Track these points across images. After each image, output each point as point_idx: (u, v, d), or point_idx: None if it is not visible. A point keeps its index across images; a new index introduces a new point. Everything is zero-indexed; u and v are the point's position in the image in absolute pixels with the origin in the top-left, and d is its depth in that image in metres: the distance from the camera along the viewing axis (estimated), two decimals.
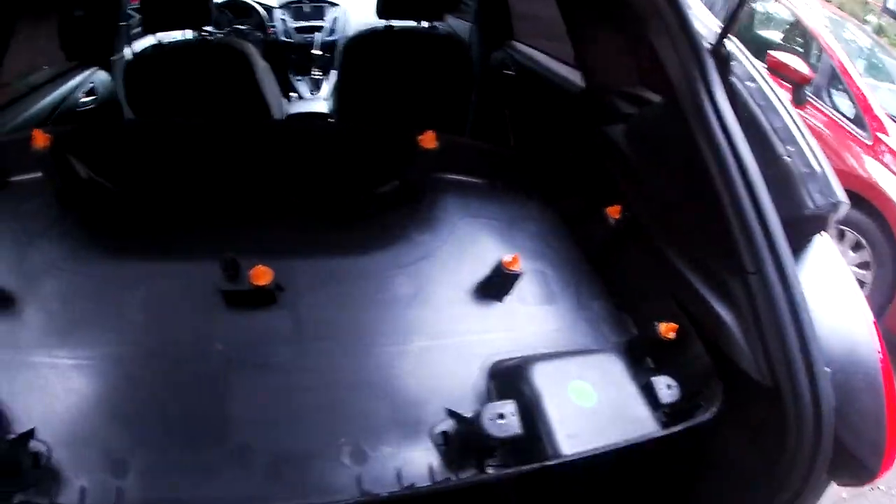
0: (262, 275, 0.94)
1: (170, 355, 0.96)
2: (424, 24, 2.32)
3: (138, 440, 0.87)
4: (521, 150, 1.35)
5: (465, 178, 1.31)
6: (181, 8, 2.11)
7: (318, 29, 3.66)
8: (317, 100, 3.30)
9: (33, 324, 0.98)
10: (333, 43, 3.63)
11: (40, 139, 1.07)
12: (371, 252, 1.11)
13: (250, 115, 2.14)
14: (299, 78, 3.51)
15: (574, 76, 1.78)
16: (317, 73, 3.52)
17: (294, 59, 3.51)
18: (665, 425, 0.90)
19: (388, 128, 1.30)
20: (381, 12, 2.23)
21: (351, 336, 0.98)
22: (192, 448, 0.87)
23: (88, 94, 2.19)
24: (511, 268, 1.04)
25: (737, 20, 1.13)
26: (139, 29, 2.60)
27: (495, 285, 1.07)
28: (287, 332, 0.98)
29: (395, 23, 2.30)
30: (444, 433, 0.87)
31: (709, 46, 1.07)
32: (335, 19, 3.72)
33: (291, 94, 3.32)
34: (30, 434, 0.83)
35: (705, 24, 1.14)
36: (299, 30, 3.65)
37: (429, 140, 1.17)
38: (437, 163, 1.22)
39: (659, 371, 0.99)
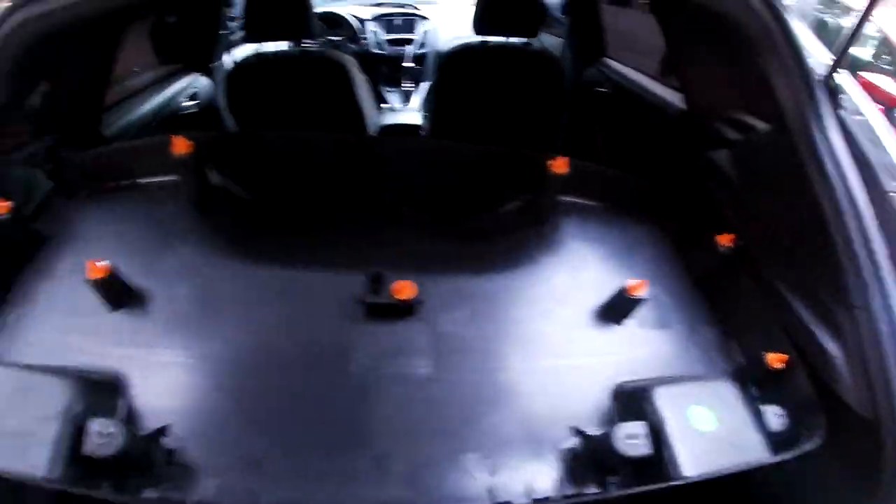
0: (405, 289, 0.99)
1: (306, 361, 1.02)
2: (516, 39, 2.37)
3: (273, 443, 0.92)
4: (648, 178, 1.33)
5: (585, 202, 1.33)
6: (283, 19, 2.23)
7: (409, 42, 3.77)
8: (407, 111, 3.39)
9: (170, 323, 1.06)
10: (424, 56, 3.74)
11: (181, 145, 1.15)
12: (499, 271, 1.15)
13: (346, 126, 2.24)
14: (390, 89, 3.61)
15: (671, 96, 1.78)
16: (407, 84, 3.62)
17: (385, 71, 3.62)
18: (775, 453, 0.92)
19: (517, 150, 1.32)
20: (478, 29, 2.31)
21: (482, 352, 1.02)
22: (328, 453, 0.92)
23: (191, 98, 2.37)
24: (634, 293, 1.06)
25: (848, 53, 1.12)
26: (236, 36, 2.76)
27: (617, 309, 1.10)
28: (423, 345, 1.02)
29: (490, 38, 2.36)
30: (571, 450, 0.91)
31: (820, 78, 1.07)
32: (426, 32, 3.83)
33: (382, 104, 3.42)
34: (163, 430, 0.89)
35: (813, 54, 1.14)
36: (390, 42, 3.77)
37: (560, 166, 1.20)
38: (565, 187, 1.25)
39: (764, 399, 1.00)
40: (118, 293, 1.05)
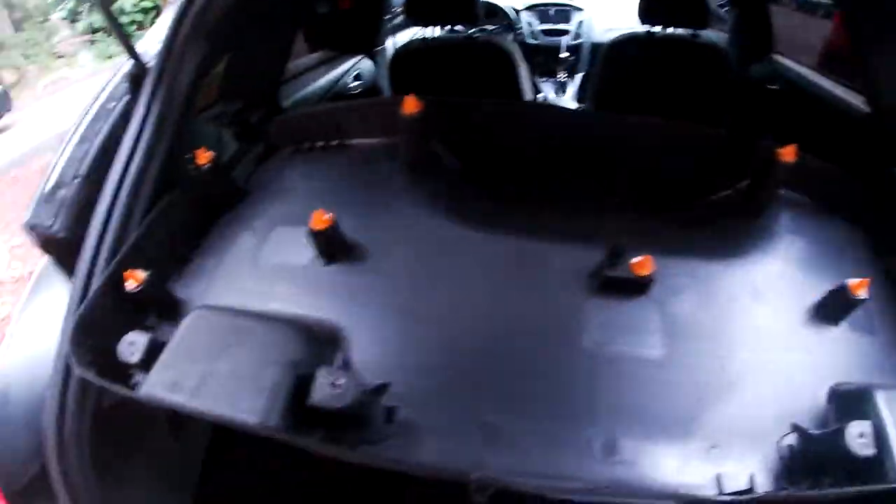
0: (645, 265, 0.95)
1: (533, 329, 0.98)
2: (682, 31, 2.28)
3: (499, 409, 0.89)
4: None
5: (799, 197, 1.24)
6: (448, 5, 2.27)
7: (564, 32, 3.72)
8: (563, 102, 3.37)
9: (388, 282, 1.04)
10: (578, 46, 3.68)
11: (412, 105, 1.12)
12: (720, 257, 1.09)
13: None
14: (544, 80, 3.59)
15: (854, 98, 1.61)
16: (562, 75, 3.59)
17: (540, 61, 3.59)
18: None
19: (739, 133, 1.26)
20: (644, 17, 2.24)
21: (708, 338, 0.97)
22: (554, 425, 0.88)
23: (355, 79, 2.46)
24: (856, 293, 0.97)
25: None
26: (398, 20, 2.88)
27: (834, 307, 1.01)
28: (654, 326, 0.97)
29: (657, 29, 2.29)
30: (790, 447, 0.87)
31: None
32: (580, 23, 3.76)
33: (537, 95, 3.37)
34: (384, 387, 0.86)
35: None
36: (545, 32, 3.74)
37: (788, 153, 1.11)
38: (789, 177, 1.17)
39: None
40: (336, 246, 1.04)
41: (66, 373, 0.98)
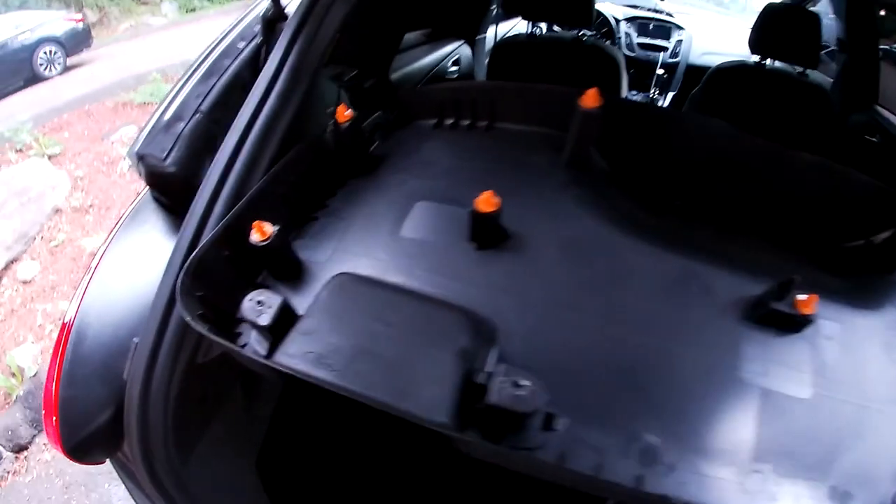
0: (809, 304, 0.91)
1: (687, 350, 0.92)
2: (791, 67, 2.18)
3: (650, 426, 0.83)
4: None
5: None
6: (565, 5, 2.19)
7: (662, 49, 3.59)
8: None
9: (549, 278, 0.97)
10: (674, 65, 3.56)
11: (593, 99, 1.05)
12: (859, 307, 1.04)
13: None
14: (634, 93, 3.48)
15: None
16: (654, 91, 3.47)
17: (632, 74, 3.45)
18: None
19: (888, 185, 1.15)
20: (755, 47, 2.14)
21: (846, 386, 0.94)
22: (706, 449, 0.84)
23: (454, 63, 2.42)
24: None
25: None
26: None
27: None
28: (804, 365, 0.93)
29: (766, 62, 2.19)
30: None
31: None
32: (679, 42, 3.63)
33: None
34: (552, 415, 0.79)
35: None
36: (641, 45, 3.62)
37: None
38: None
39: None
40: (495, 233, 0.98)
41: (164, 321, 0.93)
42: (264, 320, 0.79)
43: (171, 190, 1.09)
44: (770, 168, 1.19)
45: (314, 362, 0.76)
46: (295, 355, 0.77)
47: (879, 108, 2.17)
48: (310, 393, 0.81)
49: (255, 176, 1.01)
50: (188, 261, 0.87)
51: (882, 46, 2.29)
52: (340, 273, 0.90)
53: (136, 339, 0.96)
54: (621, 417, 0.83)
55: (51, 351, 1.01)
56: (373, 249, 0.99)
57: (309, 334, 0.79)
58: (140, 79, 5.24)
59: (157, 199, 1.15)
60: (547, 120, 1.19)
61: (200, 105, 1.09)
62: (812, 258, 1.10)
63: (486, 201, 0.91)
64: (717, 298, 0.96)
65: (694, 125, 1.24)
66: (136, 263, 1.10)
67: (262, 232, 0.89)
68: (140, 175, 1.10)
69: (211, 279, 0.89)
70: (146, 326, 0.94)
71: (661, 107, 1.42)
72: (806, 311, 0.90)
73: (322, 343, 0.78)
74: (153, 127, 1.07)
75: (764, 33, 2.12)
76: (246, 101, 1.05)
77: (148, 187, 1.15)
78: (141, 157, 1.06)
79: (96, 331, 1.01)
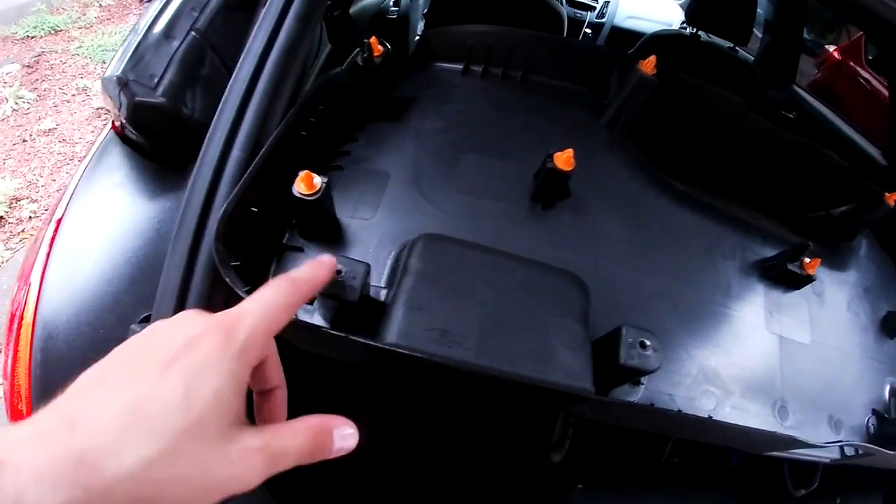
0: (813, 266, 1.02)
1: (716, 301, 1.00)
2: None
3: (716, 372, 0.91)
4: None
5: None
6: None
7: (590, 7, 3.60)
8: None
9: (612, 235, 0.96)
10: (600, 25, 3.57)
11: (651, 65, 1.08)
12: (831, 268, 1.19)
13: None
14: None
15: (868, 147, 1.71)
16: None
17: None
18: None
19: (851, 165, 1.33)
20: (691, 18, 2.26)
21: (831, 334, 1.08)
22: (737, 390, 0.93)
23: (394, 4, 2.35)
24: None
25: None
26: None
27: (893, 324, 1.17)
28: (804, 316, 1.06)
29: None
30: (874, 425, 1.02)
31: None
32: (607, 3, 3.65)
33: None
34: None
35: None
36: (570, 2, 3.59)
37: (893, 198, 1.20)
38: (885, 217, 1.25)
39: None
40: (561, 191, 0.93)
41: (180, 299, 0.70)
42: (352, 295, 0.63)
43: (157, 128, 0.86)
44: (768, 145, 1.29)
45: (440, 341, 0.64)
46: (414, 334, 0.63)
47: (795, 87, 2.31)
48: (304, 377, 0.67)
49: (275, 115, 0.81)
50: (219, 221, 0.66)
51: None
52: (423, 235, 0.76)
53: (134, 327, 0.74)
54: (685, 367, 0.89)
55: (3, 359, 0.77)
56: (425, 206, 0.86)
57: (420, 308, 0.65)
58: (21, 10, 4.43)
59: (128, 142, 0.91)
60: (583, 77, 1.17)
61: (196, 21, 0.86)
62: (792, 226, 1.24)
63: (567, 161, 0.85)
64: (743, 259, 1.06)
65: (714, 98, 1.28)
66: (110, 228, 0.86)
67: (309, 184, 0.71)
68: (118, 108, 0.85)
69: (241, 243, 0.70)
70: (157, 308, 0.71)
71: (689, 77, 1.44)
72: (811, 271, 1.03)
73: (441, 317, 0.65)
74: (138, 46, 0.83)
75: (701, 7, 2.22)
76: (258, 22, 0.83)
77: (120, 124, 0.90)
78: (123, 84, 0.81)
79: (68, 324, 0.79)
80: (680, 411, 0.81)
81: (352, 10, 1.70)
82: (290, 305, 0.46)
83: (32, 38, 4.16)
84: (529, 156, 0.88)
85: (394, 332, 0.63)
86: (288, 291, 0.46)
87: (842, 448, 0.91)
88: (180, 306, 0.71)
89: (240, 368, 0.40)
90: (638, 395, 0.82)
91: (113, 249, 0.83)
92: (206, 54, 0.87)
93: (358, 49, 0.94)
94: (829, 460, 0.93)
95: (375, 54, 0.92)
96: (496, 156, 0.95)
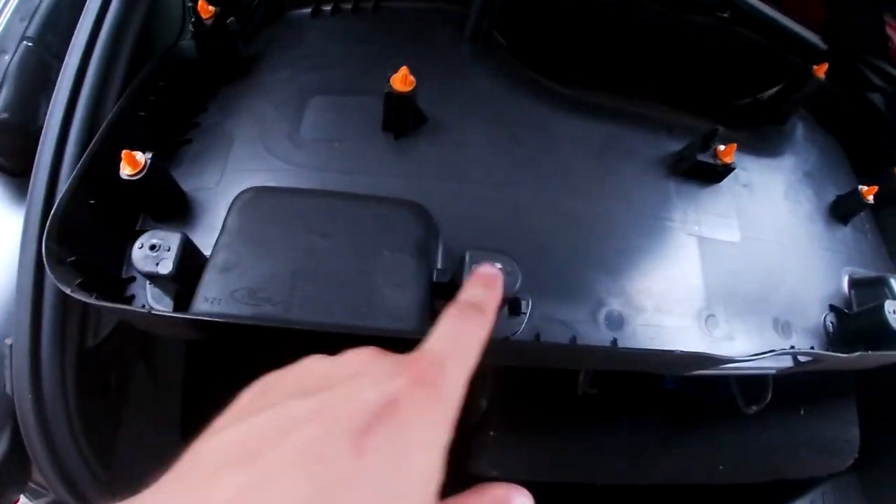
0: (729, 153, 0.97)
1: (624, 207, 0.94)
2: None
3: (610, 290, 0.84)
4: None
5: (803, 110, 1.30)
6: None
7: None
8: None
9: (477, 157, 0.91)
10: None
11: None
12: (762, 156, 1.13)
13: None
14: None
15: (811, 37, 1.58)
16: None
17: None
18: None
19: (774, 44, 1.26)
20: None
21: (763, 227, 1.03)
22: (662, 301, 0.87)
23: None
24: (867, 197, 1.08)
25: None
26: None
27: (845, 209, 1.12)
28: (729, 211, 1.00)
29: None
30: (832, 323, 0.97)
31: None
32: None
33: None
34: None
35: None
36: None
37: (821, 70, 1.15)
38: (814, 92, 1.20)
39: None
40: (413, 116, 0.88)
41: (36, 308, 0.73)
42: (165, 267, 0.61)
43: (6, 144, 0.85)
44: (664, 31, 1.21)
45: (247, 301, 0.61)
46: (219, 299, 0.61)
47: None
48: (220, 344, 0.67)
49: (107, 103, 0.80)
50: (49, 221, 0.66)
51: None
52: (245, 190, 0.73)
53: (8, 341, 0.74)
54: (582, 288, 0.83)
55: None
56: (269, 160, 0.83)
57: (229, 269, 0.64)
58: None
59: None
60: None
61: (27, 30, 0.85)
62: (710, 116, 1.14)
63: (403, 79, 0.80)
64: (644, 158, 0.98)
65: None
66: None
67: (132, 163, 0.70)
68: None
69: (81, 237, 0.70)
70: (17, 319, 0.73)
71: None
72: (727, 159, 0.96)
73: (250, 275, 0.63)
74: None
75: None
76: (84, 11, 0.83)
77: None
78: None
79: None
80: (528, 341, 0.75)
81: None
82: (484, 341, 0.37)
83: None
84: (382, 87, 0.83)
85: (199, 299, 0.61)
86: (483, 324, 0.38)
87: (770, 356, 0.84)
88: (37, 312, 0.72)
89: (447, 437, 0.31)
90: (520, 327, 0.75)
91: None
92: (47, 61, 0.86)
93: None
94: (774, 371, 0.91)
95: (205, 17, 0.89)
96: (346, 93, 0.91)
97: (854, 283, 1.04)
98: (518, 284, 0.64)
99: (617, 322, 0.81)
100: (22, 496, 0.86)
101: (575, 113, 1.00)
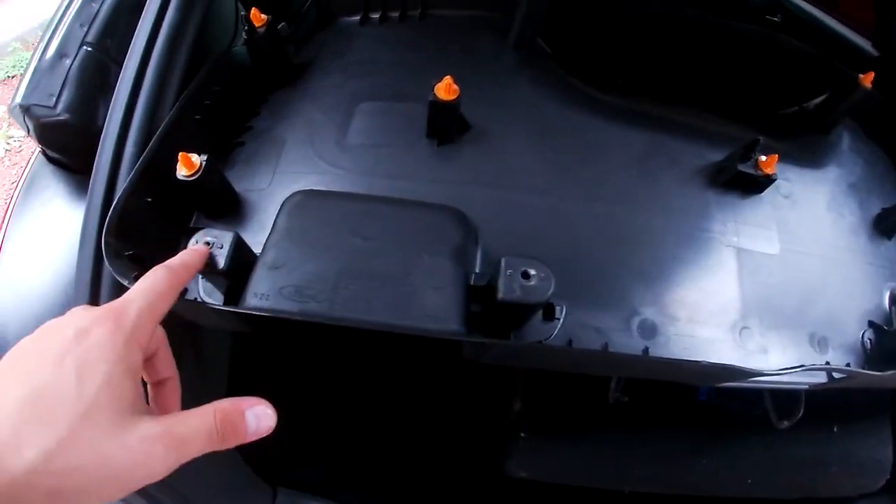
0: (770, 163, 0.94)
1: (664, 218, 0.93)
2: None
3: (644, 300, 0.83)
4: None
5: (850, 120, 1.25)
6: None
7: None
8: None
9: (519, 164, 0.92)
10: None
11: None
12: (805, 166, 1.09)
13: None
14: None
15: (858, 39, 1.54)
16: None
17: None
18: None
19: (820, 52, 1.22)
20: None
21: (805, 239, 1.00)
22: (697, 313, 0.86)
23: None
24: None
25: None
26: None
27: (889, 223, 1.08)
28: (769, 223, 0.97)
29: None
30: (870, 339, 0.94)
31: None
32: None
33: None
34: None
35: None
36: None
37: (868, 79, 1.11)
38: (861, 101, 1.14)
39: None
40: (457, 123, 0.89)
41: (93, 296, 0.77)
42: (220, 263, 0.65)
43: (68, 144, 0.90)
44: (708, 39, 1.19)
45: (294, 297, 0.64)
46: (268, 295, 0.65)
47: None
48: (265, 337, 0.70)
49: (164, 106, 0.85)
50: (108, 217, 0.71)
51: None
52: (295, 192, 0.77)
53: None
54: (617, 296, 0.83)
55: None
56: (318, 164, 0.86)
57: (278, 267, 0.67)
58: None
59: (53, 160, 0.96)
60: (485, 2, 1.11)
61: (86, 35, 0.89)
62: (754, 125, 1.11)
63: (447, 88, 0.82)
64: (684, 167, 0.97)
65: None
66: (45, 243, 0.92)
67: (188, 164, 0.74)
68: (28, 133, 0.90)
69: (138, 233, 0.74)
70: (74, 304, 0.77)
71: None
72: (768, 170, 0.93)
73: (297, 274, 0.66)
74: (35, 70, 0.87)
75: None
76: (141, 19, 0.87)
77: (39, 148, 0.95)
78: (26, 109, 0.85)
79: (17, 335, 0.84)
80: (559, 346, 0.76)
81: None
82: (169, 289, 0.49)
83: (14, 77, 4.27)
84: (427, 94, 0.84)
85: (249, 294, 0.65)
86: (165, 277, 0.49)
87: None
88: (94, 303, 0.76)
89: (129, 353, 0.42)
90: (553, 332, 0.76)
91: (53, 261, 0.88)
92: (106, 65, 0.90)
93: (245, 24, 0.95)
94: (807, 386, 0.88)
95: (257, 25, 0.92)
96: (393, 99, 0.93)
97: (894, 299, 1.01)
98: (551, 290, 0.65)
99: (650, 331, 0.81)
100: None
101: (616, 121, 0.99)
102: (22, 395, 0.37)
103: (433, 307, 0.65)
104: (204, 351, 1.07)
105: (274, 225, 0.72)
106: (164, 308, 0.47)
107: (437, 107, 0.83)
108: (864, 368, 0.90)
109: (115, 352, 0.40)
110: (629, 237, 0.87)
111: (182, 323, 0.83)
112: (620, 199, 0.90)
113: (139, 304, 0.45)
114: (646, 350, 0.79)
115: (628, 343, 0.79)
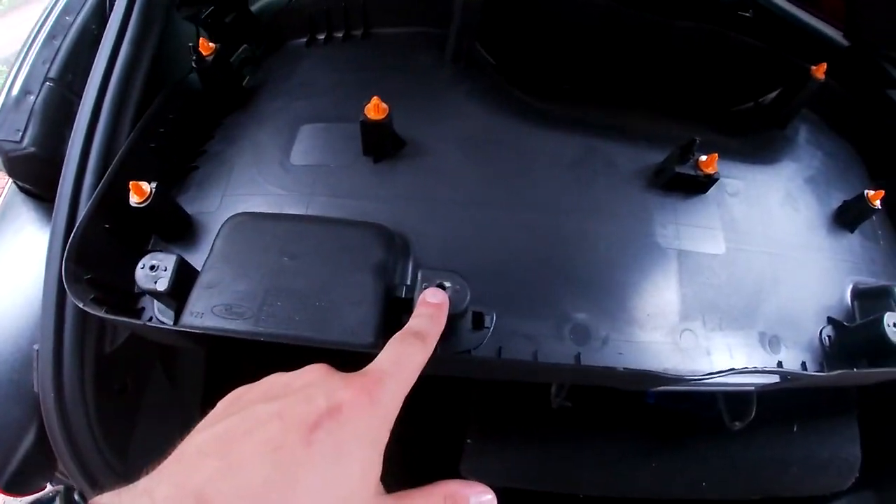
0: (710, 163, 0.94)
1: (601, 223, 0.93)
2: None
3: (578, 306, 0.84)
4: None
5: (809, 112, 1.23)
6: None
7: None
8: None
9: (453, 179, 0.93)
10: None
11: None
12: (756, 163, 1.08)
13: None
14: None
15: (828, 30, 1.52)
16: None
17: None
18: None
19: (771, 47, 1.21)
20: None
21: (754, 237, 0.99)
22: (635, 317, 0.86)
23: None
24: (874, 202, 1.02)
25: None
26: None
27: (851, 215, 1.06)
28: (714, 223, 0.97)
29: None
30: (829, 337, 0.93)
31: None
32: None
33: None
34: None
35: None
36: None
37: (820, 71, 1.10)
38: (815, 94, 1.14)
39: None
40: (389, 141, 0.91)
41: (59, 317, 0.83)
42: (162, 285, 0.71)
43: (36, 174, 0.97)
44: (652, 39, 1.19)
45: (224, 315, 0.69)
46: (201, 313, 0.69)
47: None
48: (234, 350, 0.78)
49: (121, 136, 0.90)
50: (68, 244, 0.77)
51: None
52: (233, 215, 0.81)
53: (36, 346, 0.86)
54: (548, 302, 0.83)
55: None
56: (262, 186, 0.90)
57: (212, 287, 0.71)
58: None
59: (24, 190, 1.02)
60: (424, 18, 1.12)
61: (49, 71, 0.96)
62: (705, 124, 1.13)
63: (376, 108, 0.85)
64: (622, 171, 0.96)
65: (572, 5, 1.19)
66: (17, 265, 0.98)
67: (139, 192, 0.80)
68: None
69: (97, 258, 0.80)
70: (42, 327, 0.84)
71: None
72: (709, 170, 0.92)
73: (228, 293, 0.70)
74: (2, 108, 0.94)
75: None
76: (97, 55, 0.93)
77: (10, 179, 1.01)
78: None
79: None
80: (497, 356, 0.77)
81: (256, 6, 1.72)
82: (422, 364, 0.45)
83: None
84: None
85: (186, 313, 0.69)
86: (421, 350, 0.46)
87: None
88: (59, 322, 0.83)
89: (384, 438, 0.38)
90: (483, 340, 0.77)
91: (24, 286, 0.93)
92: (69, 99, 0.96)
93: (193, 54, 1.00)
94: (753, 388, 0.88)
95: (206, 53, 0.97)
96: (333, 120, 0.96)
97: (858, 294, 0.99)
98: (466, 302, 0.68)
99: (582, 336, 0.81)
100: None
101: (550, 128, 1.00)
102: (264, 475, 0.32)
103: (350, 322, 0.69)
104: (177, 365, 1.12)
105: (212, 247, 0.77)
106: (412, 384, 0.43)
107: (368, 126, 0.86)
108: (823, 366, 0.90)
109: (373, 435, 0.37)
110: (560, 243, 0.89)
111: (147, 340, 0.89)
112: (549, 205, 0.91)
113: (397, 380, 0.41)
114: (578, 356, 0.80)
115: (559, 349, 0.80)
